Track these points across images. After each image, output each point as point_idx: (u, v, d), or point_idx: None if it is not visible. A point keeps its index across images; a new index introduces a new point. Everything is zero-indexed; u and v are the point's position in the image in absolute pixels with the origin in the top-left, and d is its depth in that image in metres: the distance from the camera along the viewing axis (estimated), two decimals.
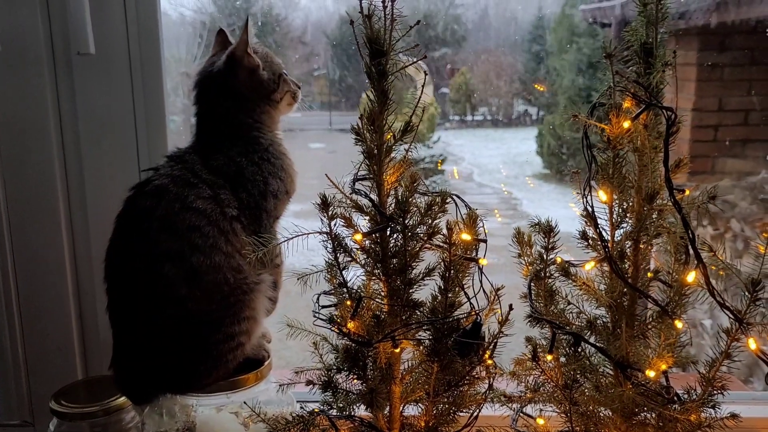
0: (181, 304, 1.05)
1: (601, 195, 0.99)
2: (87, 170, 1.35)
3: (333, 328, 1.00)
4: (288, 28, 4.77)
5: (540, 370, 1.03)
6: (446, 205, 1.05)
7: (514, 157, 6.42)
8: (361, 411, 1.07)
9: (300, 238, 1.02)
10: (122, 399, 1.19)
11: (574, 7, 4.91)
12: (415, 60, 1.01)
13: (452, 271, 1.00)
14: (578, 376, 1.04)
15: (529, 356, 1.02)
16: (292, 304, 1.28)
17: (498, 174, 6.51)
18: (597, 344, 0.99)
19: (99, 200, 1.32)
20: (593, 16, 4.01)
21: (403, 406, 1.10)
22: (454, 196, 1.08)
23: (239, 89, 1.18)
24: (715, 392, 1.00)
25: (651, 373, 0.95)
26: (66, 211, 1.37)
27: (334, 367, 1.07)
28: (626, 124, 0.96)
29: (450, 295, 1.04)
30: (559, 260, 1.06)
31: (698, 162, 3.63)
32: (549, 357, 1.01)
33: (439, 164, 5.83)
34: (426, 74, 1.05)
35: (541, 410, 1.12)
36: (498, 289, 1.07)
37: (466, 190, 6.29)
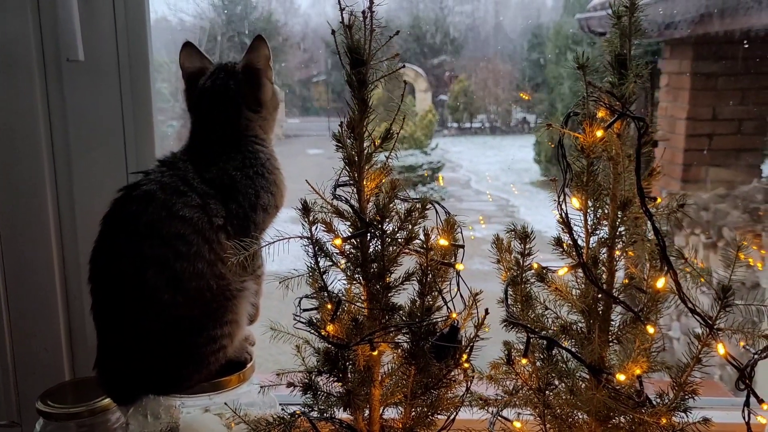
0: (164, 309, 1.07)
1: (574, 202, 1.01)
2: (76, 174, 1.37)
3: (312, 331, 1.02)
4: (288, 34, 4.79)
5: (515, 373, 1.04)
6: (426, 211, 1.08)
7: (512, 164, 6.44)
8: (342, 413, 1.09)
9: (285, 244, 1.05)
10: (108, 400, 1.21)
11: (573, 15, 4.94)
12: (394, 70, 1.03)
13: (429, 276, 1.02)
14: (553, 379, 1.06)
15: (505, 360, 1.04)
16: (287, 308, 1.29)
17: (496, 181, 6.53)
18: (570, 349, 1.00)
19: (87, 204, 1.34)
20: (588, 24, 4.03)
21: (384, 409, 1.12)
22: (435, 203, 1.10)
23: (249, 100, 1.21)
24: (687, 396, 1.02)
25: (621, 377, 0.97)
26: (55, 214, 1.39)
27: (315, 370, 1.09)
28: (599, 133, 0.98)
29: (429, 299, 1.06)
30: (535, 266, 1.08)
31: (692, 171, 3.66)
32: (523, 361, 1.03)
33: (439, 180, 5.85)
34: (405, 84, 1.07)
35: (519, 414, 1.13)
36: (476, 294, 1.10)
37: (463, 197, 6.31)
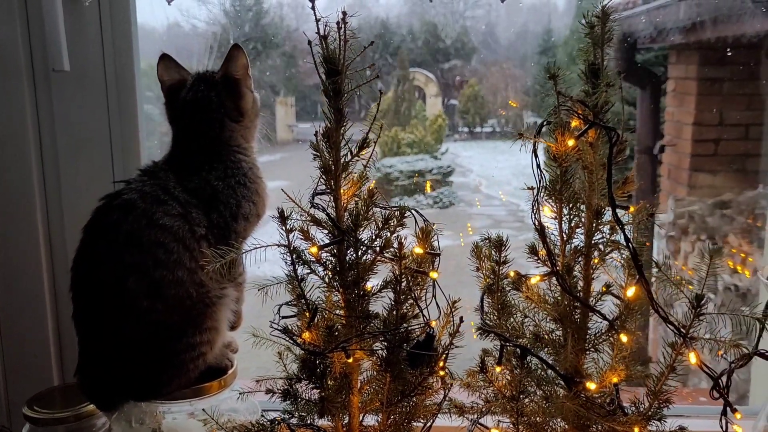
0: (144, 316, 1.08)
1: (546, 210, 1.02)
2: (64, 181, 1.39)
3: (286, 339, 1.03)
4: (299, 39, 4.82)
5: (488, 381, 1.05)
6: (405, 219, 1.09)
7: (523, 169, 6.43)
8: (322, 420, 1.10)
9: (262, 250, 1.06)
10: (93, 405, 1.23)
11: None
12: (369, 80, 1.04)
13: (402, 284, 1.03)
14: (529, 387, 1.06)
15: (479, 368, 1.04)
16: (271, 314, 1.30)
17: (507, 186, 6.52)
18: (542, 357, 1.01)
19: (76, 210, 1.36)
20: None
21: (363, 416, 1.13)
22: (413, 211, 1.11)
23: (231, 111, 1.21)
24: (662, 405, 1.02)
25: (592, 386, 0.97)
26: (44, 221, 1.41)
27: (294, 377, 1.10)
28: (570, 142, 0.98)
29: (406, 306, 1.07)
30: (512, 274, 1.09)
31: (699, 176, 3.64)
32: (498, 369, 1.04)
33: (426, 187, 5.83)
34: (381, 93, 1.08)
35: (499, 421, 1.14)
36: (455, 302, 1.10)
37: (473, 202, 6.30)
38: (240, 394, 1.14)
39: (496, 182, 6.35)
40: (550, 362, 1.02)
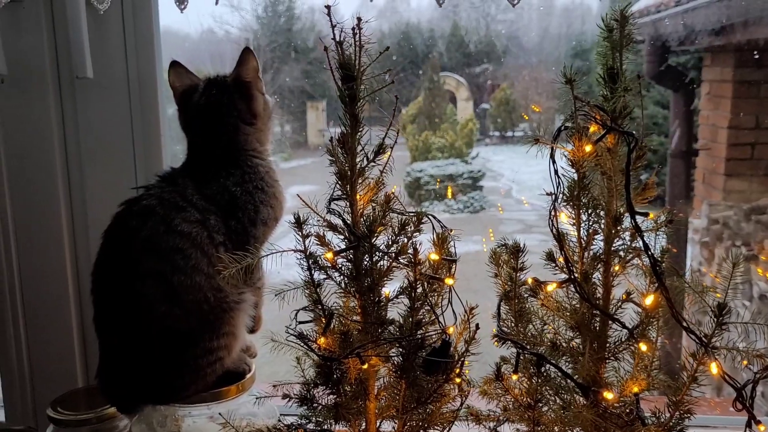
0: (161, 321, 1.09)
1: (563, 217, 1.00)
2: (88, 186, 1.42)
3: (301, 344, 1.03)
4: (330, 44, 4.85)
5: (504, 389, 1.04)
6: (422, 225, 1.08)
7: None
8: (340, 426, 1.10)
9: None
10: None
11: None
12: (384, 85, 1.03)
13: (417, 290, 1.02)
14: (547, 396, 1.05)
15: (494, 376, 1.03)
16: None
17: (539, 190, 6.45)
18: (558, 365, 0.99)
19: (99, 215, 1.37)
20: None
21: (380, 423, 1.13)
22: (430, 216, 1.10)
23: (244, 113, 1.22)
24: (683, 416, 1.00)
25: (609, 395, 0.95)
26: (68, 225, 1.44)
27: (311, 382, 1.10)
28: (588, 148, 0.97)
29: (422, 313, 1.06)
30: (530, 281, 1.07)
31: (734, 180, 3.56)
32: (514, 376, 1.03)
33: (448, 193, 5.80)
34: (397, 98, 1.07)
35: (517, 430, 1.12)
36: (472, 308, 1.09)
37: (504, 207, 6.27)
38: (257, 399, 1.15)
39: (527, 187, 6.31)
40: (568, 371, 1.00)
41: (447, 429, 1.09)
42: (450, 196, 6.00)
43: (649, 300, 0.97)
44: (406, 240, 1.06)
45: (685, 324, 0.95)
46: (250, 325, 1.22)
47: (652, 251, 0.95)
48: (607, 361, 1.05)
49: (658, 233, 0.98)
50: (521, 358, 1.02)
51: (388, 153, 1.08)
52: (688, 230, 3.65)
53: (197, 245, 1.11)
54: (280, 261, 1.07)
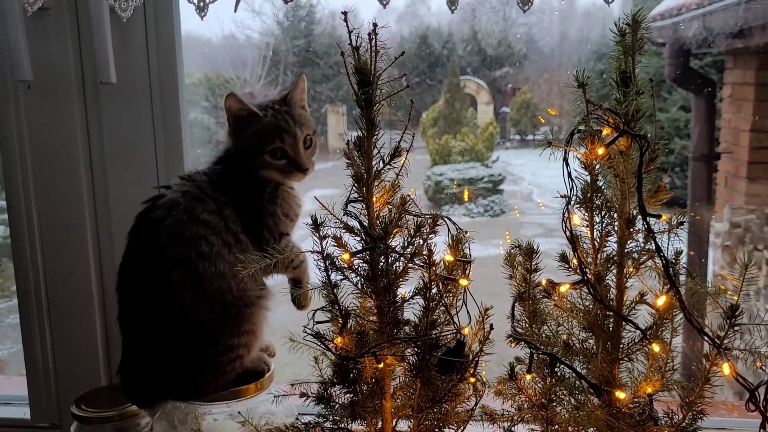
0: (186, 312, 1.12)
1: (575, 219, 1.01)
2: (111, 189, 1.45)
3: (318, 344, 1.05)
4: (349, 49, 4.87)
5: (518, 389, 1.05)
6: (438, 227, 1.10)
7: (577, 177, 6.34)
8: (357, 425, 1.12)
9: None
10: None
11: None
12: (399, 90, 1.05)
13: (432, 291, 1.04)
14: (560, 396, 1.06)
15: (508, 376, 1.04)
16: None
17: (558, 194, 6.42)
18: (570, 365, 1.00)
19: (122, 217, 1.40)
20: (648, 35, 3.93)
21: (396, 422, 1.14)
22: (445, 218, 1.11)
23: None
24: (696, 417, 1.00)
25: (622, 395, 0.96)
26: (93, 226, 1.47)
27: (328, 381, 1.12)
28: (600, 151, 0.98)
29: (437, 313, 1.08)
30: (544, 282, 1.08)
31: (757, 184, 3.53)
32: (528, 377, 1.04)
33: (465, 196, 5.79)
34: (412, 102, 1.09)
35: (531, 430, 1.13)
36: (487, 309, 1.10)
37: (525, 210, 6.25)
38: (275, 397, 1.17)
39: (547, 190, 6.30)
40: (581, 371, 1.01)
41: (462, 428, 1.10)
42: (467, 199, 6.00)
43: (661, 301, 0.97)
44: (421, 242, 1.08)
45: (697, 325, 0.96)
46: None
47: (665, 253, 0.95)
48: (621, 361, 1.06)
49: (671, 235, 0.99)
50: (535, 358, 1.03)
51: (405, 156, 1.09)
52: (710, 234, 3.63)
53: (218, 233, 1.15)
54: None
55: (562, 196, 1.07)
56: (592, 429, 1.05)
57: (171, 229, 1.14)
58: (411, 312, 1.09)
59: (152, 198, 1.20)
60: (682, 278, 1.01)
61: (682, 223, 0.98)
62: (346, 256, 1.06)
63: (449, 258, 1.06)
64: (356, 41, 1.02)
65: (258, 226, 1.21)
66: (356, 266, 1.08)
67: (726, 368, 0.94)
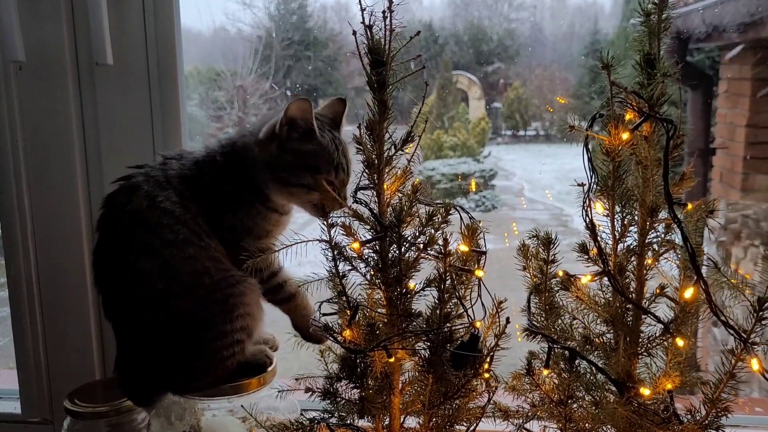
0: (163, 299, 1.06)
1: (598, 207, 0.98)
2: (107, 176, 1.39)
3: (327, 336, 1.01)
4: (342, 42, 4.83)
5: (535, 385, 1.01)
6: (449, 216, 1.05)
7: (568, 173, 6.33)
8: (364, 421, 1.08)
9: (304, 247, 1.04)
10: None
11: (630, 20, 4.82)
12: (415, 71, 1.01)
13: (447, 282, 1.00)
14: (578, 392, 1.02)
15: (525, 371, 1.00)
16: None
17: (551, 189, 6.44)
18: (592, 360, 0.96)
19: None
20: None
21: (405, 418, 1.10)
22: (458, 208, 1.07)
23: None
24: (720, 414, 0.97)
25: (646, 392, 0.92)
26: (87, 215, 1.42)
27: (334, 376, 1.07)
28: (625, 136, 0.94)
29: (450, 305, 1.03)
30: (561, 273, 1.04)
31: (753, 179, 3.52)
32: (545, 372, 1.00)
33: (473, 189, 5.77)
34: (427, 84, 1.04)
35: (545, 427, 1.10)
36: (500, 302, 1.06)
37: (516, 206, 6.22)
38: (278, 392, 1.12)
39: (539, 186, 6.27)
40: (601, 366, 0.97)
41: (474, 425, 1.06)
42: (473, 189, 5.97)
43: (688, 293, 0.93)
44: (433, 231, 1.04)
45: (723, 318, 0.92)
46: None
47: (691, 243, 0.92)
48: (640, 356, 1.02)
49: (697, 226, 0.95)
50: (552, 353, 0.99)
51: (417, 141, 1.05)
52: (704, 229, 3.59)
53: (183, 222, 1.08)
54: (304, 252, 1.04)
55: (579, 185, 1.03)
56: (609, 427, 1.01)
57: (133, 215, 1.08)
58: (422, 304, 1.05)
59: (119, 179, 1.14)
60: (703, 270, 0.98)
61: (711, 211, 0.95)
62: (356, 245, 1.01)
63: (464, 248, 1.02)
64: (370, 20, 0.97)
65: (224, 223, 1.14)
66: (366, 256, 1.04)
67: (755, 363, 0.91)
